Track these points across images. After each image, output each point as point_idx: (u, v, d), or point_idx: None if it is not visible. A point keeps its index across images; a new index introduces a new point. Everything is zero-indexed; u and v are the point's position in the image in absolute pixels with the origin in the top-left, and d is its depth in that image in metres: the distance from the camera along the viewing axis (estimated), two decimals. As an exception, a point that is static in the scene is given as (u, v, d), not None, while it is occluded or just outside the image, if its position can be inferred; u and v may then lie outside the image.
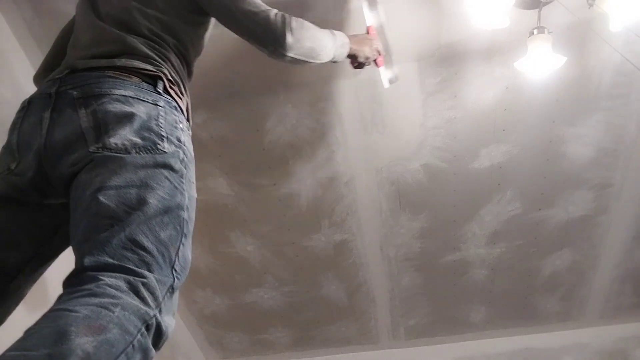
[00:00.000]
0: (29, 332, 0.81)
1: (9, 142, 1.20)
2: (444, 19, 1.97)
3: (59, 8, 1.91)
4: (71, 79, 1.17)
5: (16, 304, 1.21)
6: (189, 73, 1.43)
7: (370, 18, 1.74)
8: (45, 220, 1.20)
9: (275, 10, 1.34)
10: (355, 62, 1.63)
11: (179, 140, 1.17)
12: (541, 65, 1.79)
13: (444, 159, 2.39)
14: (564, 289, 2.93)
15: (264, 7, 1.35)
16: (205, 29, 1.46)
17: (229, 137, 2.31)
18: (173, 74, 1.28)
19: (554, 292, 2.95)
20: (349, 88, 2.16)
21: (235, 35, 1.94)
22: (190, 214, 1.14)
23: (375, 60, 1.69)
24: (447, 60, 2.08)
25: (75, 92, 1.13)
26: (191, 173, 1.20)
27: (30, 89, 2.02)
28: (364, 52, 1.61)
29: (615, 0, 1.60)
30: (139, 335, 0.87)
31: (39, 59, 1.86)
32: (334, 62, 1.55)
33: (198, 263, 2.81)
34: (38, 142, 1.11)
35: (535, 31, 1.77)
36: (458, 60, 2.08)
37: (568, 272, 2.84)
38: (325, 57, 1.47)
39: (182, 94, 1.30)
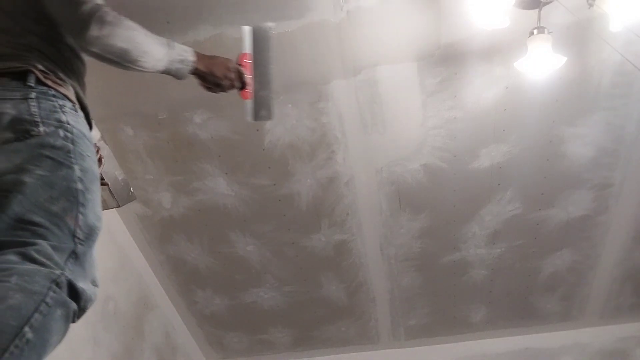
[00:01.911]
0: None
1: None
2: (444, 19, 1.97)
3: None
4: None
5: None
6: (74, 54, 1.33)
7: (248, 46, 1.57)
8: None
9: (98, 2, 1.23)
10: (204, 84, 1.51)
11: (59, 121, 1.15)
12: (541, 65, 1.79)
13: (444, 159, 2.39)
14: (564, 289, 2.93)
15: None
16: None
17: (229, 137, 2.31)
18: (45, 63, 1.23)
19: (554, 292, 2.95)
20: (349, 88, 2.16)
21: (235, 36, 1.95)
22: (86, 185, 1.12)
23: (240, 90, 1.56)
24: (447, 60, 2.08)
25: None
26: (81, 147, 1.16)
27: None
28: (214, 76, 1.48)
29: (615, 0, 1.60)
30: (50, 292, 0.88)
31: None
32: (176, 77, 1.43)
33: (198, 263, 2.81)
34: None
35: (535, 31, 1.77)
36: (458, 60, 2.08)
37: (568, 272, 2.84)
38: (149, 65, 1.34)
39: (61, 79, 1.24)
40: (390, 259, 2.79)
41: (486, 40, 2.01)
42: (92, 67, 2.07)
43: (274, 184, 2.47)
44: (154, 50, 1.33)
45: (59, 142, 1.11)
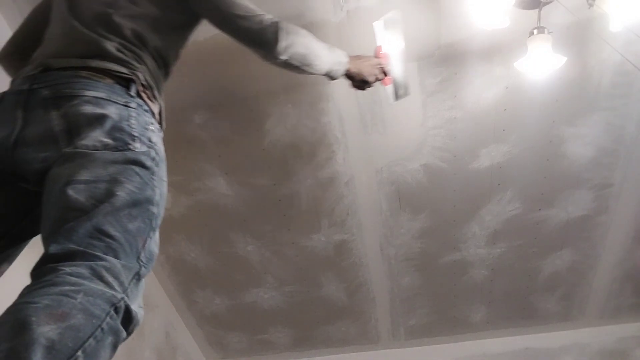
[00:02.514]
0: None
1: None
2: (444, 19, 1.97)
3: (59, 8, 1.92)
4: (44, 77, 1.16)
5: None
6: (166, 75, 1.43)
7: (381, 39, 1.71)
8: (19, 200, 1.19)
9: (269, 15, 1.38)
10: (353, 83, 1.64)
11: (150, 141, 1.17)
12: (541, 65, 1.79)
13: (444, 159, 2.39)
14: (564, 289, 2.93)
15: (259, 11, 1.38)
16: (190, 33, 1.46)
17: (229, 137, 2.31)
18: (147, 78, 1.28)
19: (554, 292, 2.95)
20: (349, 88, 2.16)
21: (235, 36, 1.95)
22: (160, 210, 1.14)
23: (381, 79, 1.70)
24: (447, 60, 2.08)
25: (46, 92, 1.13)
26: (162, 172, 1.20)
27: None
28: (362, 76, 1.61)
29: (615, 0, 1.60)
30: (107, 318, 0.87)
31: (39, 59, 1.86)
32: (331, 78, 1.57)
33: (198, 263, 2.81)
34: (6, 139, 1.12)
35: (535, 31, 1.77)
36: (458, 60, 2.08)
37: (568, 272, 2.84)
38: (319, 68, 1.50)
39: (154, 97, 1.30)
40: (390, 259, 2.79)
41: (486, 40, 2.01)
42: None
43: (274, 184, 2.47)
44: (323, 54, 1.49)
45: (149, 163, 1.13)
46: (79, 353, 0.80)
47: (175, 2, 1.35)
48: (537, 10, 1.78)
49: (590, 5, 1.68)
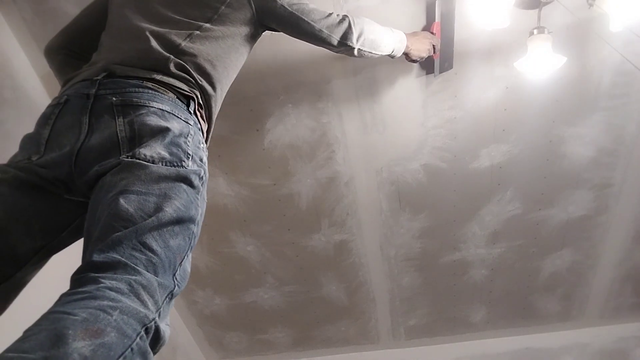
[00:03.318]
0: (27, 334, 0.81)
1: (37, 134, 1.20)
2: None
3: (59, 8, 1.92)
4: (110, 84, 1.19)
5: (17, 294, 1.21)
6: (220, 100, 1.46)
7: (438, 15, 1.86)
8: (62, 213, 1.21)
9: (336, 12, 1.52)
10: (409, 58, 1.80)
11: (201, 160, 1.22)
12: (541, 65, 1.79)
13: (444, 159, 2.39)
14: (564, 289, 2.93)
15: (327, 11, 1.50)
16: (249, 52, 1.50)
17: (229, 137, 2.31)
18: (203, 98, 1.32)
19: (554, 292, 2.95)
20: (349, 88, 2.16)
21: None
22: (198, 230, 1.17)
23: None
24: (447, 60, 2.08)
25: (114, 99, 1.16)
26: (205, 191, 1.23)
27: (31, 90, 2.03)
28: (419, 51, 1.79)
29: (615, 0, 1.60)
30: (138, 339, 0.87)
31: (39, 58, 1.87)
32: (392, 56, 1.71)
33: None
34: (73, 145, 1.14)
35: (535, 31, 1.77)
36: (458, 60, 2.08)
37: (568, 272, 2.84)
38: (385, 49, 1.64)
39: (207, 118, 1.35)
40: (390, 259, 2.79)
41: (486, 40, 2.02)
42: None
43: (274, 184, 2.47)
44: (386, 37, 1.63)
45: (196, 182, 1.16)
46: None
47: (252, 19, 1.40)
48: (537, 10, 1.78)
49: (590, 5, 1.68)
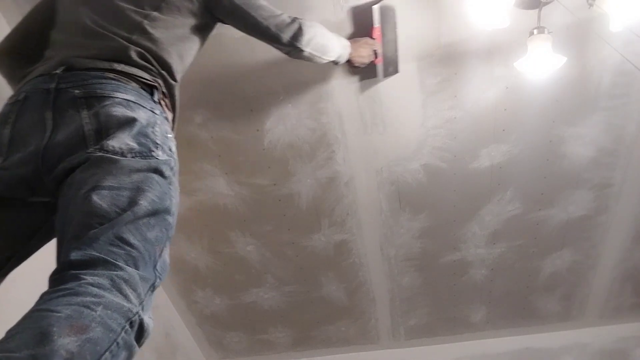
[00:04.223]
0: (11, 333, 0.81)
1: None
2: (444, 19, 1.97)
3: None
4: (70, 77, 1.16)
5: None
6: (177, 90, 1.46)
7: (377, 20, 1.87)
8: (27, 219, 1.19)
9: (287, 13, 1.52)
10: (352, 65, 1.83)
11: (170, 150, 1.19)
12: (541, 65, 1.79)
13: (444, 159, 2.39)
14: (564, 289, 2.93)
15: (278, 10, 1.51)
16: (203, 44, 1.49)
17: (229, 137, 2.31)
18: (166, 88, 1.31)
19: (554, 292, 2.95)
20: (349, 88, 2.16)
21: (235, 36, 1.95)
22: (174, 220, 1.16)
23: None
24: (447, 60, 2.08)
25: (77, 91, 1.13)
26: (177, 182, 1.21)
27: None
28: (361, 57, 1.83)
29: (615, 0, 1.60)
30: (122, 333, 0.88)
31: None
32: (336, 63, 1.72)
33: (198, 263, 2.81)
34: (39, 143, 1.11)
35: (535, 31, 1.77)
36: (458, 60, 2.08)
37: (568, 272, 2.84)
38: (332, 55, 1.66)
39: (172, 106, 1.33)
40: (390, 259, 2.79)
41: (486, 40, 2.02)
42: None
43: (274, 184, 2.47)
44: (335, 42, 1.67)
45: (168, 172, 1.14)
46: None
47: (201, 10, 1.38)
48: (537, 10, 1.78)
49: (590, 5, 1.68)
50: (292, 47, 1.53)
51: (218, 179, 2.45)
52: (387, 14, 1.90)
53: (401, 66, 2.09)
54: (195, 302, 3.02)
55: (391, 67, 2.03)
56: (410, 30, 2.00)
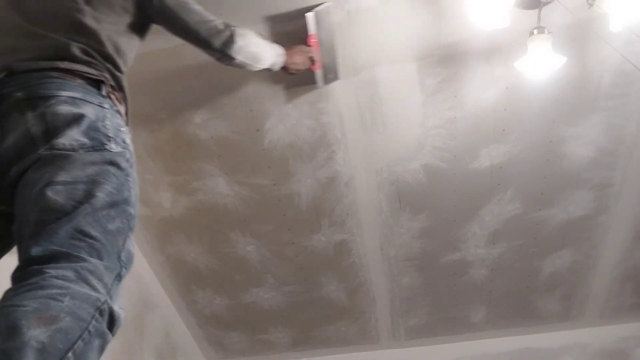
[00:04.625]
0: None
1: None
2: (444, 19, 1.97)
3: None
4: (12, 81, 1.14)
5: None
6: (125, 81, 1.45)
7: (313, 28, 1.88)
8: None
9: (221, 20, 1.52)
10: (287, 72, 1.85)
11: (124, 142, 1.19)
12: (541, 65, 1.79)
13: (444, 159, 2.39)
14: (564, 289, 2.93)
15: (212, 16, 1.50)
16: (142, 40, 1.48)
17: (229, 137, 2.31)
18: (114, 81, 1.30)
19: (554, 292, 2.95)
20: (349, 88, 2.16)
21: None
22: (135, 211, 1.16)
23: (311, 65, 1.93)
24: (447, 60, 2.08)
25: (19, 94, 1.12)
26: (135, 173, 1.21)
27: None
28: (296, 64, 1.85)
29: (615, 0, 1.60)
30: (93, 321, 0.89)
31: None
32: (270, 70, 1.75)
33: (198, 263, 2.81)
34: None
35: (535, 31, 1.77)
36: (458, 60, 2.08)
37: (568, 272, 2.84)
38: (265, 63, 1.68)
39: (122, 99, 1.32)
40: (390, 259, 2.79)
41: (486, 40, 2.01)
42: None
43: (274, 184, 2.47)
44: (268, 50, 1.68)
45: (124, 164, 1.14)
46: (69, 355, 0.83)
47: (133, 8, 1.38)
48: (537, 10, 1.78)
49: (590, 5, 1.68)
50: (222, 54, 1.54)
51: (218, 179, 2.45)
52: (323, 21, 1.89)
53: (398, 67, 2.09)
54: (195, 302, 3.02)
55: (331, 74, 2.03)
56: (410, 30, 2.00)
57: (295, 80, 2.03)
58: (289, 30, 1.93)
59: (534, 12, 1.79)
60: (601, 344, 3.13)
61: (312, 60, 1.91)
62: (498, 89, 2.17)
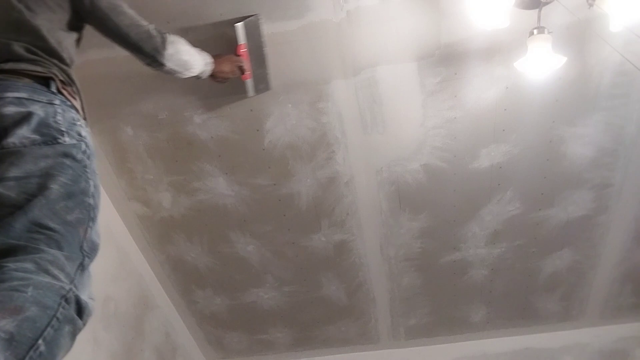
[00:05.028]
0: None
1: None
2: (444, 19, 1.97)
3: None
4: None
5: None
6: (74, 75, 1.45)
7: (242, 38, 1.90)
8: None
9: (153, 25, 1.54)
10: (215, 79, 1.87)
11: (80, 135, 1.19)
12: (541, 65, 1.79)
13: (444, 159, 2.39)
14: (564, 289, 2.93)
15: (144, 21, 1.51)
16: (80, 38, 1.48)
17: (229, 137, 2.31)
18: (63, 75, 1.30)
19: (554, 292, 2.95)
20: (349, 88, 2.16)
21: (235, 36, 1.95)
22: (96, 201, 1.17)
23: (241, 74, 1.95)
24: (447, 60, 2.08)
25: None
26: (94, 165, 1.22)
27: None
28: (223, 73, 1.86)
29: (615, 0, 1.60)
30: (60, 309, 0.90)
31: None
32: (198, 77, 1.76)
33: (198, 263, 2.81)
34: None
35: (535, 31, 1.77)
36: (458, 60, 2.08)
37: (568, 272, 2.84)
38: (195, 71, 1.69)
39: (75, 93, 1.33)
40: (390, 259, 2.79)
41: (486, 40, 2.01)
42: (92, 67, 2.08)
43: (274, 184, 2.47)
44: (198, 58, 1.69)
45: (80, 156, 1.15)
46: (40, 342, 0.85)
47: (67, 5, 1.38)
48: (537, 10, 1.78)
49: (590, 5, 1.68)
50: (152, 60, 1.54)
51: (218, 179, 2.45)
52: (254, 31, 1.92)
53: (398, 67, 2.09)
54: (195, 302, 3.02)
55: (262, 84, 2.05)
56: (410, 30, 2.00)
57: (225, 89, 2.04)
58: (220, 40, 1.95)
59: (534, 12, 1.79)
60: (601, 344, 3.13)
61: (241, 70, 1.93)
62: (498, 89, 2.17)
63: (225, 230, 2.66)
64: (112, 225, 2.54)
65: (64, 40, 1.35)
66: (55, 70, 1.26)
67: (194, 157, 2.37)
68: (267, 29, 1.96)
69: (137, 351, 2.72)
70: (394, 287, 2.93)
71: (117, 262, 2.58)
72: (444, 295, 2.98)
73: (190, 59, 1.64)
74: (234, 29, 1.88)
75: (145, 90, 2.15)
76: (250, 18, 1.89)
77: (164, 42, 1.53)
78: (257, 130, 2.29)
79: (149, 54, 1.52)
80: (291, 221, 2.61)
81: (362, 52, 2.06)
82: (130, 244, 2.68)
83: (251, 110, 2.23)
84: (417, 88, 2.17)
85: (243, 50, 1.92)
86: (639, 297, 2.94)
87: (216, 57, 1.82)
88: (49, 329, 0.86)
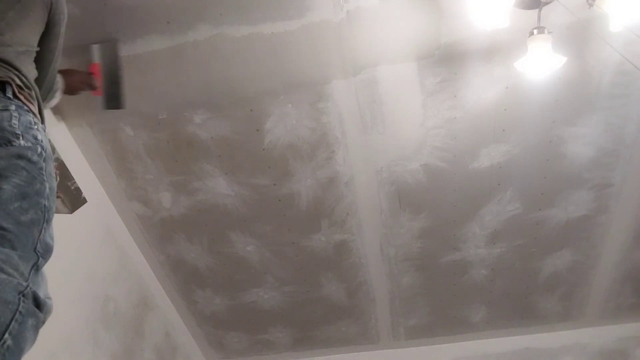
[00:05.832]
0: None
1: None
2: (444, 19, 1.97)
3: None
4: None
5: None
6: (42, 79, 1.53)
7: (97, 58, 2.05)
8: None
9: (58, 86, 1.79)
10: (65, 93, 1.95)
11: (35, 138, 1.21)
12: (541, 65, 1.79)
13: (444, 159, 2.39)
14: (564, 289, 2.93)
15: (60, 78, 1.76)
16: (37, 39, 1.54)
17: (229, 137, 2.31)
18: (23, 80, 1.31)
19: (554, 292, 2.95)
20: (349, 88, 2.16)
21: (235, 36, 1.95)
22: (51, 203, 1.18)
23: (93, 90, 2.08)
24: (447, 60, 2.08)
25: None
26: (50, 168, 1.23)
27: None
28: (69, 87, 1.95)
29: (615, 0, 1.60)
30: (21, 303, 0.92)
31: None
32: (54, 91, 1.85)
33: (198, 263, 2.81)
34: None
35: (535, 31, 1.77)
36: (458, 60, 2.08)
37: (568, 272, 2.84)
38: (56, 93, 1.83)
39: (32, 98, 1.34)
40: (390, 259, 2.79)
41: (486, 40, 2.02)
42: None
43: (274, 184, 2.47)
44: (59, 93, 1.85)
45: (35, 158, 1.16)
46: (6, 336, 0.86)
47: (35, 19, 1.45)
48: (537, 10, 1.78)
49: (590, 5, 1.68)
50: (48, 96, 1.70)
51: (218, 179, 2.45)
52: (109, 52, 2.04)
53: (398, 67, 2.09)
54: (195, 302, 3.02)
55: (114, 102, 2.14)
56: (410, 30, 2.00)
57: (81, 102, 2.13)
58: (79, 59, 2.06)
59: (534, 12, 1.79)
60: (601, 344, 3.13)
61: (91, 86, 2.04)
62: (498, 89, 2.17)
63: (225, 230, 2.66)
64: (112, 225, 2.54)
65: (26, 44, 1.39)
66: (12, 75, 1.28)
67: (194, 157, 2.37)
68: (268, 28, 1.96)
69: (137, 351, 2.72)
70: (394, 287, 2.93)
71: (117, 262, 2.59)
72: (444, 295, 2.98)
73: (59, 99, 1.86)
74: (90, 49, 2.04)
75: (145, 90, 2.15)
76: (107, 42, 2.03)
77: (57, 91, 1.77)
78: (257, 130, 2.29)
79: (44, 97, 1.63)
80: (291, 221, 2.61)
81: (362, 52, 2.06)
82: (130, 244, 2.68)
83: (251, 110, 2.23)
84: (417, 88, 2.17)
85: (96, 69, 2.05)
86: (639, 297, 2.94)
87: (65, 71, 1.89)
88: (13, 323, 0.88)
